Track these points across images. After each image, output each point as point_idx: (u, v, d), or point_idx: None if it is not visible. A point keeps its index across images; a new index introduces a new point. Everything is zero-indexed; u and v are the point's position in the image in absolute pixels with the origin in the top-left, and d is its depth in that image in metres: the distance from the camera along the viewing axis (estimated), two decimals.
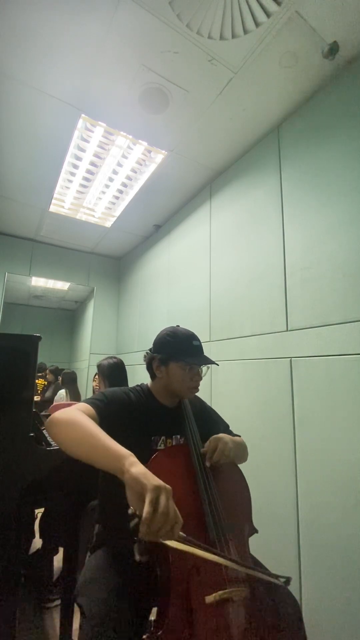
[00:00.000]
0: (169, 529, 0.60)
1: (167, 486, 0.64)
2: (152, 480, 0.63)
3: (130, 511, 0.62)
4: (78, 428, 0.77)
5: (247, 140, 1.89)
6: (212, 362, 1.02)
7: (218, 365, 1.08)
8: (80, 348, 4.36)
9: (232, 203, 2.05)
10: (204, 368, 1.06)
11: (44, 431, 1.70)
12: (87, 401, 0.93)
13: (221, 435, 0.99)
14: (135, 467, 0.66)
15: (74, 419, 0.80)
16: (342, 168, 1.37)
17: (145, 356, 1.09)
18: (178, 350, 1.01)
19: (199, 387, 1.06)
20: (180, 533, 0.63)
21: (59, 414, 0.82)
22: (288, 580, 0.76)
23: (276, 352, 1.56)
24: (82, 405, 0.89)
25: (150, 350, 1.09)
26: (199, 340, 1.06)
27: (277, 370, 1.53)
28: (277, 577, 0.78)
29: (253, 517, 0.96)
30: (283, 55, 1.39)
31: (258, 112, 1.69)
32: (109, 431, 0.90)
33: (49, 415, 2.42)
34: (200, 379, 1.05)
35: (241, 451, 1.08)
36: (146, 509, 0.59)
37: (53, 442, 1.48)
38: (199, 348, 1.04)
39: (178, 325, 1.10)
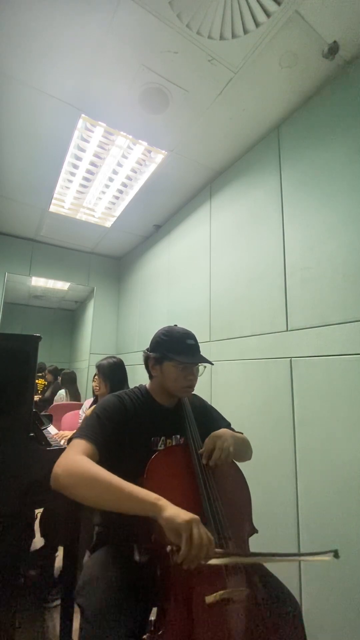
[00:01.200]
0: (205, 553, 0.68)
1: (195, 517, 0.70)
2: (183, 517, 0.70)
3: (168, 549, 0.70)
4: (95, 484, 0.75)
5: (247, 140, 1.89)
6: (205, 361, 1.01)
7: (213, 364, 1.06)
8: (80, 348, 4.36)
9: (232, 203, 2.05)
10: (200, 367, 1.06)
11: (44, 431, 1.70)
12: (81, 434, 0.89)
13: (221, 431, 0.99)
14: (166, 511, 0.71)
15: (86, 474, 0.76)
16: (342, 168, 1.37)
17: (144, 353, 1.09)
18: (172, 349, 1.01)
19: (197, 387, 1.06)
20: (219, 550, 0.71)
21: (64, 470, 0.78)
22: (336, 553, 0.75)
23: (276, 352, 1.56)
24: (80, 446, 0.85)
25: (147, 349, 1.09)
26: (194, 339, 1.05)
27: (277, 370, 1.53)
28: (320, 553, 0.75)
29: (253, 517, 0.96)
30: (283, 55, 1.39)
31: (258, 112, 1.69)
32: (110, 444, 0.90)
33: (49, 415, 2.40)
34: (195, 378, 1.05)
35: (244, 448, 1.07)
36: (184, 548, 0.67)
37: (53, 442, 1.48)
38: (194, 347, 1.03)
39: (175, 325, 1.10)
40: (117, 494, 0.74)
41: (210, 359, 1.03)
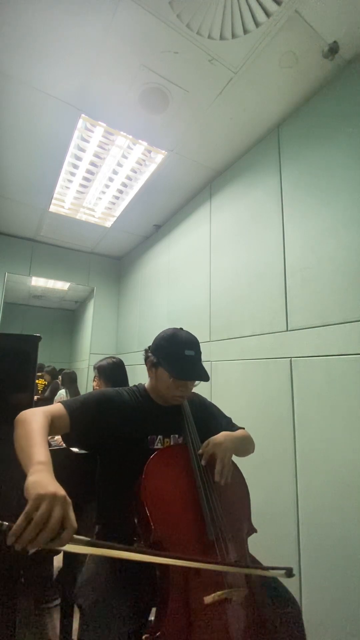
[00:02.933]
0: (51, 537, 0.56)
1: (58, 494, 0.59)
2: (40, 489, 0.59)
3: None
4: (23, 429, 0.78)
5: (247, 140, 1.89)
6: (199, 379, 0.96)
7: (207, 380, 0.98)
8: (80, 348, 4.35)
9: (232, 203, 2.05)
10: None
11: None
12: (64, 401, 0.93)
13: (220, 438, 0.96)
14: (33, 476, 0.62)
15: (27, 420, 0.80)
16: (342, 168, 1.37)
17: (145, 351, 1.09)
18: (168, 358, 0.98)
19: (197, 387, 1.05)
20: (81, 537, 0.60)
21: (24, 412, 0.84)
22: (290, 571, 0.72)
23: (276, 352, 1.56)
24: (55, 406, 0.90)
25: (150, 347, 1.09)
26: (195, 349, 0.99)
27: (277, 370, 1.53)
28: (276, 568, 0.75)
29: (253, 517, 0.96)
30: (283, 55, 1.38)
31: (258, 112, 1.69)
32: (91, 423, 0.92)
33: None
34: (188, 390, 1.01)
35: (245, 445, 1.06)
36: (18, 521, 0.55)
37: (53, 442, 1.48)
38: (192, 359, 0.97)
39: (181, 328, 1.06)
40: (23, 442, 0.74)
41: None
